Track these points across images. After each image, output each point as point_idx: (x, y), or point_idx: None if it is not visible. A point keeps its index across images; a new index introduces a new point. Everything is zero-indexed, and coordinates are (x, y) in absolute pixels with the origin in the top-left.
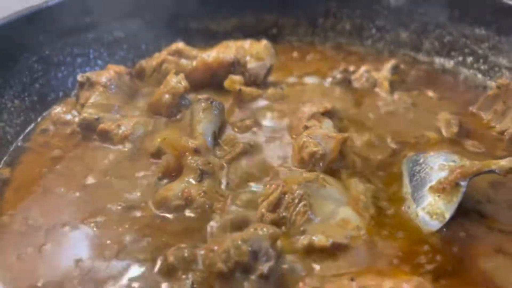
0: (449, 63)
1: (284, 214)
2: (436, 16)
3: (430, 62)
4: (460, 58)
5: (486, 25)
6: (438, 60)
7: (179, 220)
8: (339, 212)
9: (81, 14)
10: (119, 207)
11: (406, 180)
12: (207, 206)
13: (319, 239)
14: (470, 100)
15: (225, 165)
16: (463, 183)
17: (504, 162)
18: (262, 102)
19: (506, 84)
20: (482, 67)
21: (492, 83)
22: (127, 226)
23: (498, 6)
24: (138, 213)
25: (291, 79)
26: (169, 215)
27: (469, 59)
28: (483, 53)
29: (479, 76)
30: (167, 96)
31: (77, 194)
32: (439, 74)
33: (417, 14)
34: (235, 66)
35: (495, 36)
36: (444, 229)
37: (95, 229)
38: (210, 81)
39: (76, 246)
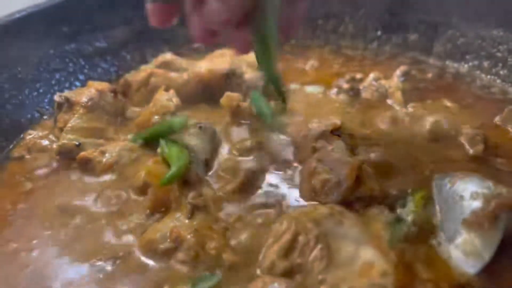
0: (463, 68)
1: (298, 260)
2: (448, 16)
3: (442, 67)
4: (476, 62)
5: (504, 25)
6: (451, 65)
7: (163, 270)
8: (360, 254)
9: (58, 25)
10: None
11: (434, 209)
12: (199, 246)
13: None
14: (492, 110)
15: (221, 196)
16: (503, 216)
17: None
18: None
19: None
20: (501, 72)
21: None
22: None
23: None
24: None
25: (292, 89)
26: (154, 264)
27: (486, 63)
28: (502, 56)
29: (498, 81)
30: (156, 117)
31: (33, 253)
32: (452, 80)
33: (426, 14)
34: (231, 77)
35: None
36: (484, 271)
37: None
38: (202, 94)
39: None
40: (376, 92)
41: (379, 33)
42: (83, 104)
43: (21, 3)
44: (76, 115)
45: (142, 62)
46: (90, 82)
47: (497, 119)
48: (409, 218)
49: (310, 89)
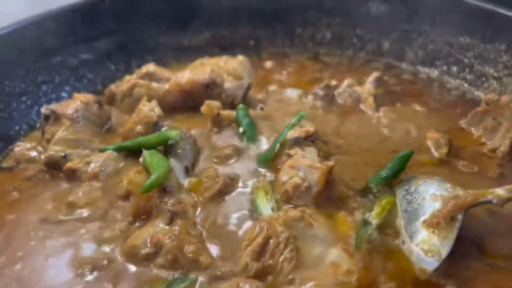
0: (434, 73)
1: (270, 262)
2: (418, 24)
3: (414, 72)
4: (445, 68)
5: (470, 33)
6: (423, 70)
7: (144, 274)
8: (328, 255)
9: (43, 38)
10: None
11: (399, 211)
12: (177, 250)
13: None
14: (459, 113)
15: (198, 202)
16: (458, 216)
17: (501, 192)
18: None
19: (495, 100)
20: (468, 77)
21: (479, 94)
22: None
23: (481, 13)
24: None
25: (271, 96)
26: (136, 269)
27: (454, 68)
28: (469, 62)
29: (466, 85)
30: (139, 127)
31: (17, 266)
32: (424, 84)
33: (398, 22)
34: (211, 87)
35: (480, 44)
36: (441, 267)
37: None
38: (184, 103)
39: None
40: (350, 98)
41: (354, 40)
42: (69, 116)
43: (10, 19)
44: (62, 127)
45: (127, 72)
46: (76, 94)
47: (462, 122)
48: (374, 221)
49: (289, 92)
